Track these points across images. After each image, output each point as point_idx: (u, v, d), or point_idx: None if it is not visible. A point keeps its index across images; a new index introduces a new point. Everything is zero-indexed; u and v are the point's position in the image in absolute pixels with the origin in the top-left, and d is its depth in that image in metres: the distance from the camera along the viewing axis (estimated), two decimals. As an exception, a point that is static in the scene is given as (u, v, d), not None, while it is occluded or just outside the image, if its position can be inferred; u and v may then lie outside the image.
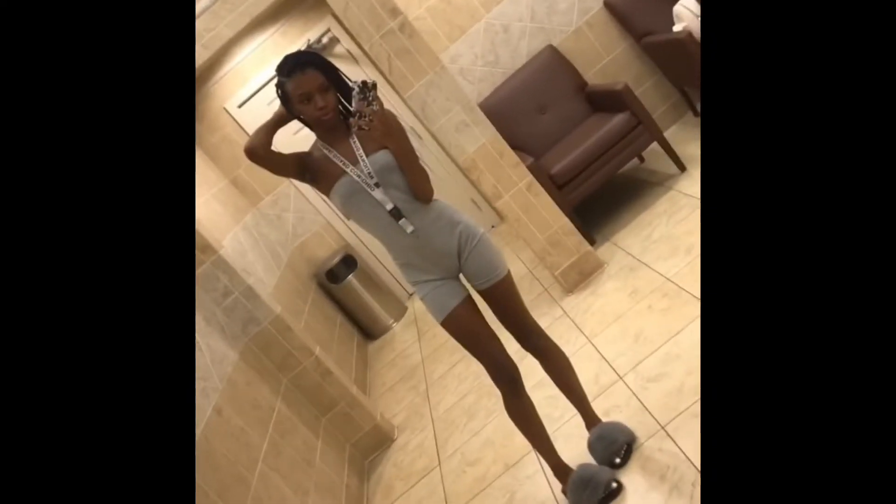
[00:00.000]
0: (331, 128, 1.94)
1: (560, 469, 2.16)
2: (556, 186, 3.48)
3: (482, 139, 3.16)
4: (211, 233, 3.31)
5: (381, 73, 3.22)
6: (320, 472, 2.94)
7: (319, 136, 1.97)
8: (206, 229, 3.28)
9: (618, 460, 2.13)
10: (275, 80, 1.94)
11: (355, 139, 1.92)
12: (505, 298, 2.07)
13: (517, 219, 3.25)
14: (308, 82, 1.87)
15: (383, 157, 1.90)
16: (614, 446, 2.14)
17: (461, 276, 2.06)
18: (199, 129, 4.77)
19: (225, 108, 4.72)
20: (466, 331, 2.04)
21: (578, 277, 3.34)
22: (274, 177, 4.87)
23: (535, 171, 3.35)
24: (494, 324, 2.11)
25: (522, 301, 2.12)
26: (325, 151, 1.94)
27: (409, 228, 1.91)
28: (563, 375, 2.19)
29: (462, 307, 2.01)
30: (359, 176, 1.89)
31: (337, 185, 1.92)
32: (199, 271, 3.13)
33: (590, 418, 2.23)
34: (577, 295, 3.30)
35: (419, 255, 1.97)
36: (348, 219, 2.03)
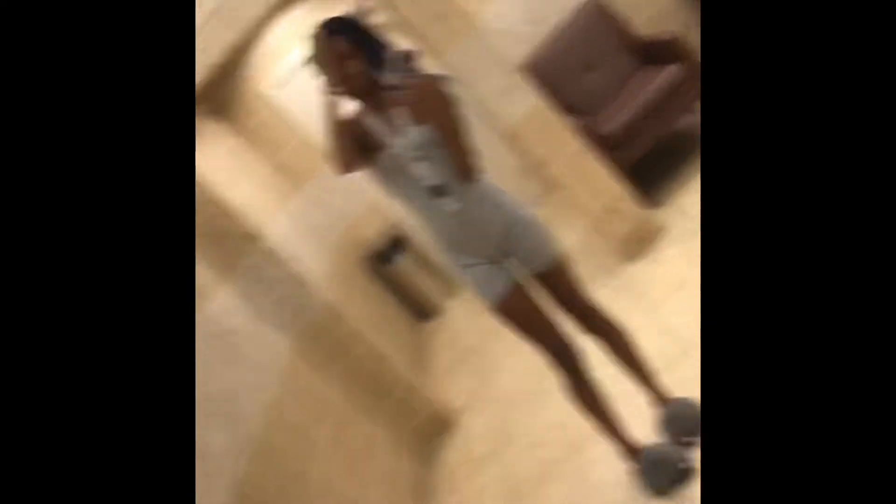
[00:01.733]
0: (372, 95, 1.86)
1: (629, 450, 2.10)
2: (610, 148, 3.36)
3: (526, 104, 3.07)
4: (256, 221, 3.33)
5: (416, 39, 3.15)
6: (381, 462, 2.95)
7: (364, 104, 1.90)
8: (252, 217, 3.29)
9: (690, 439, 2.06)
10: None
11: (399, 108, 1.85)
12: (562, 281, 2.00)
13: (569, 187, 3.15)
14: (331, 50, 1.79)
15: (427, 129, 1.83)
16: (686, 424, 2.07)
17: (509, 262, 1.99)
18: (238, 114, 4.79)
19: (262, 91, 4.73)
20: (521, 316, 1.97)
21: (638, 245, 3.23)
22: (317, 159, 4.89)
23: (586, 133, 3.25)
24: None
25: (579, 281, 2.05)
26: (364, 119, 1.87)
27: (452, 207, 1.85)
28: (628, 353, 2.12)
29: (514, 290, 1.95)
30: (402, 148, 1.83)
31: (378, 158, 1.86)
32: (245, 262, 3.15)
33: (658, 396, 2.16)
34: (637, 263, 3.19)
35: (462, 237, 1.90)
36: (391, 195, 1.98)
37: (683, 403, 2.11)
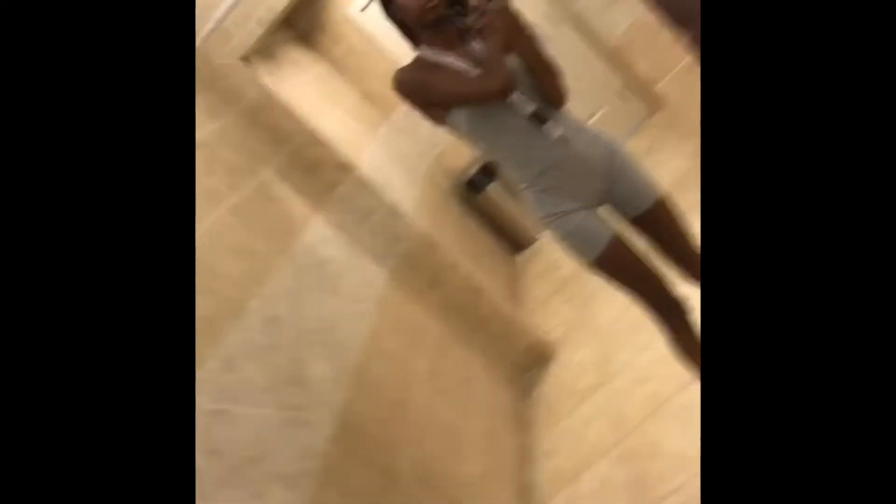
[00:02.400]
0: (438, 30, 1.66)
1: None
2: (725, 64, 3.12)
3: (633, 14, 2.88)
4: (348, 150, 3.29)
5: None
6: (480, 392, 2.94)
7: (427, 41, 1.69)
8: (343, 146, 3.26)
9: None
10: None
11: (474, 40, 1.67)
12: (669, 219, 1.79)
13: (680, 104, 2.97)
14: None
15: (510, 59, 1.66)
16: None
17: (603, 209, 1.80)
18: (323, 41, 4.73)
19: (347, 15, 4.63)
20: (624, 267, 1.76)
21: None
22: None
23: (697, 47, 3.02)
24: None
25: (686, 223, 1.82)
26: (439, 59, 1.66)
27: (557, 132, 1.66)
28: None
29: (615, 239, 1.74)
30: None
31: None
32: (339, 191, 3.13)
33: None
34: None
35: (565, 172, 1.69)
36: (474, 139, 1.74)
37: None
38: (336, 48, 4.72)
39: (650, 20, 2.89)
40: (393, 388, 2.45)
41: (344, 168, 3.15)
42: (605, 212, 1.80)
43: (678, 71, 2.92)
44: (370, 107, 4.73)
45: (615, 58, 4.08)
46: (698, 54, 2.93)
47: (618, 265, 1.76)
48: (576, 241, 1.75)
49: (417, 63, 1.72)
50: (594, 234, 1.73)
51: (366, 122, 4.41)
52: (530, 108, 1.65)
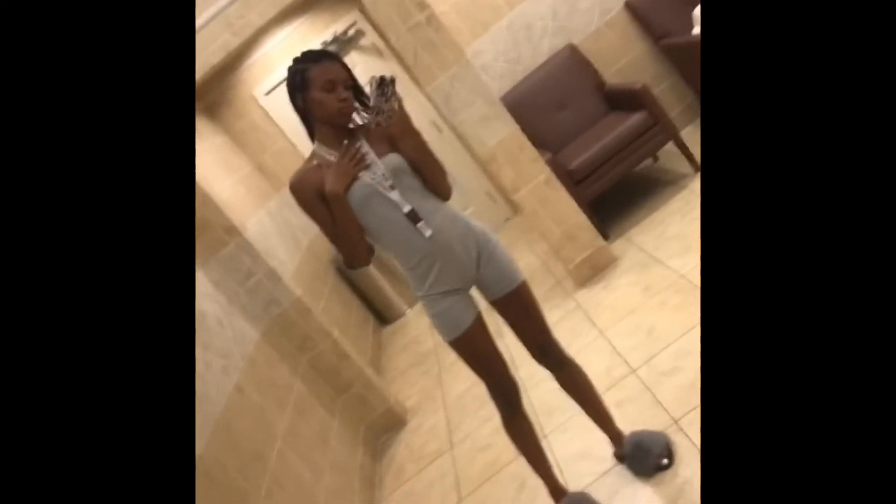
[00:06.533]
0: (337, 131, 1.77)
1: (556, 491, 2.04)
2: (574, 182, 3.39)
3: (503, 133, 3.08)
4: (236, 215, 3.25)
5: (406, 65, 3.15)
6: (335, 452, 2.89)
7: (322, 140, 1.77)
8: (232, 212, 3.22)
9: (665, 461, 1.96)
10: (291, 68, 1.76)
11: (364, 142, 1.76)
12: (526, 304, 1.89)
13: (534, 212, 3.17)
14: (337, 71, 1.72)
15: (395, 158, 1.75)
16: (657, 448, 1.97)
17: (472, 289, 1.89)
18: (227, 115, 4.70)
19: (253, 95, 4.66)
20: (480, 350, 1.86)
21: (592, 271, 3.26)
22: (297, 164, 4.83)
23: (554, 165, 3.27)
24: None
25: (540, 312, 1.93)
26: (331, 158, 1.75)
27: (427, 232, 1.73)
28: (585, 388, 2.01)
29: (477, 324, 1.84)
30: (373, 179, 1.72)
31: (349, 192, 1.72)
32: (223, 252, 3.07)
33: (614, 432, 2.06)
34: (590, 289, 3.22)
35: (437, 263, 1.77)
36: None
37: (646, 434, 2.03)
38: (239, 122, 4.71)
39: (519, 137, 3.10)
40: (253, 441, 2.37)
41: (230, 231, 3.11)
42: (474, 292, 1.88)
43: (534, 185, 3.13)
44: (262, 179, 4.71)
45: (487, 165, 4.31)
46: (554, 173, 3.16)
47: (471, 349, 1.86)
48: (440, 320, 1.83)
49: (312, 169, 1.76)
50: (457, 317, 1.81)
51: (256, 192, 4.38)
52: (406, 207, 1.74)
